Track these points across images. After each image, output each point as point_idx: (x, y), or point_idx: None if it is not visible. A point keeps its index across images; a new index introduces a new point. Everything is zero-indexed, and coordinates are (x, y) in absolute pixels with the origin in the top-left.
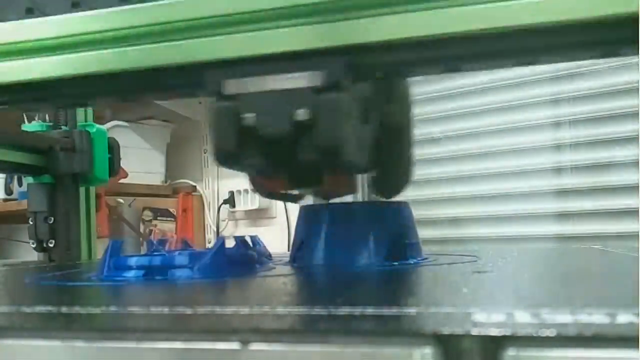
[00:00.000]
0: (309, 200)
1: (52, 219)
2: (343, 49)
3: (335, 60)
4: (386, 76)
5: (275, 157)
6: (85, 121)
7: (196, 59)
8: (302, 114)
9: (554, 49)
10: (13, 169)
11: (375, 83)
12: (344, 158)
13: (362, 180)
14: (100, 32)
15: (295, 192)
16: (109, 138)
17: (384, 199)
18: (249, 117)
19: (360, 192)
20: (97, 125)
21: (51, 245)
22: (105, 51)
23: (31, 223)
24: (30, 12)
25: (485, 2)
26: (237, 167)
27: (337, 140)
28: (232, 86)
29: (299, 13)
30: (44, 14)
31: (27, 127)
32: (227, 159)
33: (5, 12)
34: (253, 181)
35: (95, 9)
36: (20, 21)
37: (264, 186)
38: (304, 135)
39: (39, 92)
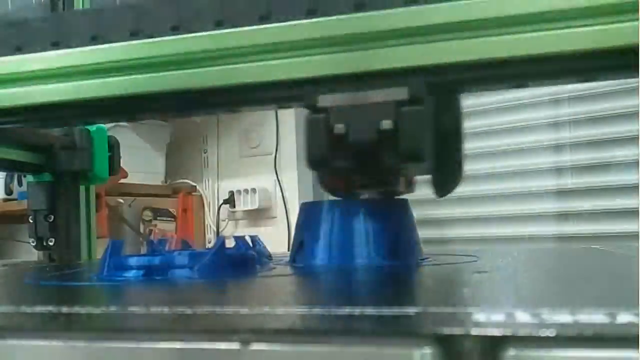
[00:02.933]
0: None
1: (52, 217)
2: (422, 69)
3: (416, 78)
4: (458, 91)
5: (360, 161)
6: None
7: (295, 76)
8: (386, 124)
9: (555, 75)
10: (13, 167)
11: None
12: (423, 162)
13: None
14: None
15: (363, 191)
16: (109, 136)
17: (439, 197)
18: (339, 126)
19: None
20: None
21: (51, 244)
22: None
23: (31, 221)
24: (55, 45)
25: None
26: (326, 171)
27: (418, 147)
28: (325, 100)
29: (382, 37)
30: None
31: None
32: (319, 163)
33: (35, 45)
34: (322, 180)
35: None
36: (44, 52)
37: (334, 185)
38: (388, 142)
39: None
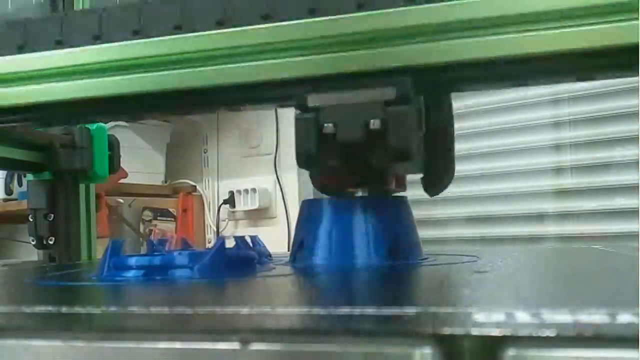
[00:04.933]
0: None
1: (52, 216)
2: (410, 69)
3: (404, 78)
4: (444, 91)
5: (349, 160)
6: None
7: (285, 76)
8: (375, 123)
9: (559, 74)
10: (13, 166)
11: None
12: (410, 161)
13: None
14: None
15: (354, 189)
16: (108, 135)
17: (430, 196)
18: (328, 126)
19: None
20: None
21: (51, 243)
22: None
23: (31, 220)
24: (59, 44)
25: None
26: (315, 169)
27: (406, 146)
28: (315, 100)
29: (372, 39)
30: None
31: None
32: (308, 161)
33: (37, 44)
34: (314, 178)
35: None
36: (47, 52)
37: (325, 184)
38: (376, 141)
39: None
